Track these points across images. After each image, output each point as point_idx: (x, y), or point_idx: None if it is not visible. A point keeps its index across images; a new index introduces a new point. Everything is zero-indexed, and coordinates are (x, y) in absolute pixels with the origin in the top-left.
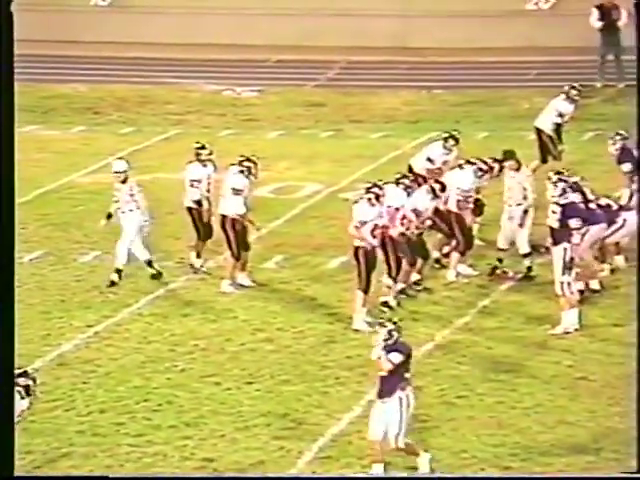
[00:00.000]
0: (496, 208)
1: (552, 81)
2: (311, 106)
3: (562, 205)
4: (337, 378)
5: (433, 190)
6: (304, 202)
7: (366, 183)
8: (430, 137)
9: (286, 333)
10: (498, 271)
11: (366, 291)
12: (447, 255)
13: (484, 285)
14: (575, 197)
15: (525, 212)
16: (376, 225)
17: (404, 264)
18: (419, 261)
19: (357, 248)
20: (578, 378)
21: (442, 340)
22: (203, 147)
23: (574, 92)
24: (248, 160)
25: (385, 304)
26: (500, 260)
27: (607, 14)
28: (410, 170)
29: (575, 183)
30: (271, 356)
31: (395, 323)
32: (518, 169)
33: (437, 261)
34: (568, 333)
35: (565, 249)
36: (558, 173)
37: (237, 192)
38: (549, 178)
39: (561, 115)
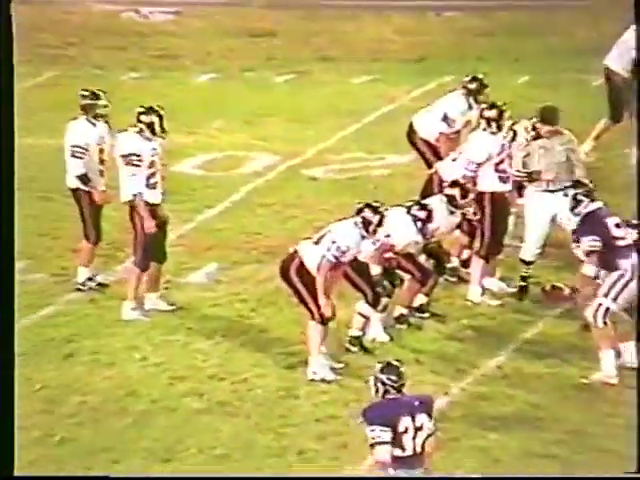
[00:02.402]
0: None
1: None
2: (258, 36)
3: (583, 215)
4: (300, 452)
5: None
6: (249, 182)
7: (342, 155)
8: (440, 83)
9: (222, 383)
10: (547, 287)
11: (323, 321)
12: (467, 263)
13: (525, 309)
14: (595, 205)
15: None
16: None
17: (410, 282)
18: (432, 278)
19: (293, 255)
20: None
21: (461, 394)
22: (94, 95)
23: None
24: (150, 111)
25: (354, 340)
26: (524, 278)
27: None
28: (411, 135)
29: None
30: (198, 419)
31: (388, 368)
32: (559, 134)
33: (452, 271)
34: (610, 384)
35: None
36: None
37: (131, 163)
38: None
39: None
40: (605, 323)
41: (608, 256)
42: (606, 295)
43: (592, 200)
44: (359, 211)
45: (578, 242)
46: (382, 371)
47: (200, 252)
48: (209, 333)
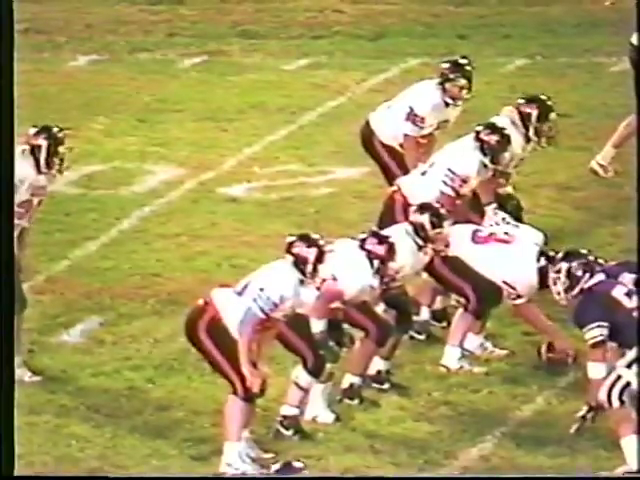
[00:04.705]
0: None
1: None
2: (156, 4)
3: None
4: None
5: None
6: (144, 204)
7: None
8: (405, 68)
9: None
10: (543, 347)
11: (248, 397)
12: (441, 315)
13: (519, 378)
14: (596, 279)
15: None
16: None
17: (363, 342)
18: (393, 336)
19: (204, 307)
20: None
21: None
22: None
23: None
24: (42, 130)
25: (289, 421)
26: None
27: None
28: (367, 139)
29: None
30: None
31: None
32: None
33: (421, 327)
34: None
35: None
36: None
37: None
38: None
39: None
40: (622, 402)
41: (625, 335)
42: (629, 366)
43: (592, 274)
44: (289, 246)
45: (581, 329)
46: None
47: (76, 301)
48: (88, 413)
